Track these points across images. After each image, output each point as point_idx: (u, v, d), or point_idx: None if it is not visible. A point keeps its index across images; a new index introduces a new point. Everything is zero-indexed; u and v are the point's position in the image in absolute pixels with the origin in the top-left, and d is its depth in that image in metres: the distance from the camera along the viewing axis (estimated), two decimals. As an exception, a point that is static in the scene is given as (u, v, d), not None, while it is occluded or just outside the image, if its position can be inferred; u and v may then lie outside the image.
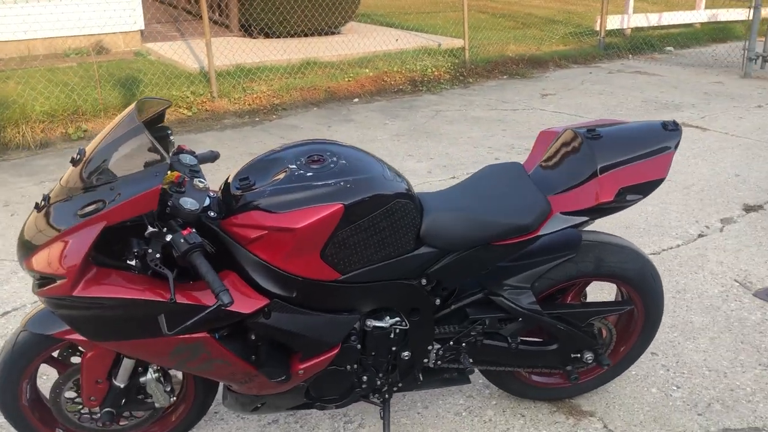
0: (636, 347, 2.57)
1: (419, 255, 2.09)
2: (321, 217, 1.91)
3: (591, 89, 7.65)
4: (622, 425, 2.55)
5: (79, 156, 1.93)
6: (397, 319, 2.17)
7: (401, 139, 5.91)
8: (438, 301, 2.22)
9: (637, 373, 2.81)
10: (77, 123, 6.09)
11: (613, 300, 2.65)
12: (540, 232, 2.18)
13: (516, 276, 2.29)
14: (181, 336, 1.92)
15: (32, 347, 2.12)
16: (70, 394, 2.22)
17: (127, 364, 2.15)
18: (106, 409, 2.16)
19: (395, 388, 2.32)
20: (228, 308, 1.83)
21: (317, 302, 2.05)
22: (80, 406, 2.24)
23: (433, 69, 8.17)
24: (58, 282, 1.81)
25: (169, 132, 2.10)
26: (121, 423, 2.30)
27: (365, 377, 2.24)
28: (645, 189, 2.21)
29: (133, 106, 1.99)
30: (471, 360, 2.35)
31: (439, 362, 2.32)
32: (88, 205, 1.82)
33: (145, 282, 1.88)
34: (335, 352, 2.11)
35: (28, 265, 1.86)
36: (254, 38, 9.24)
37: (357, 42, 8.73)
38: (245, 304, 1.95)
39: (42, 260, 1.83)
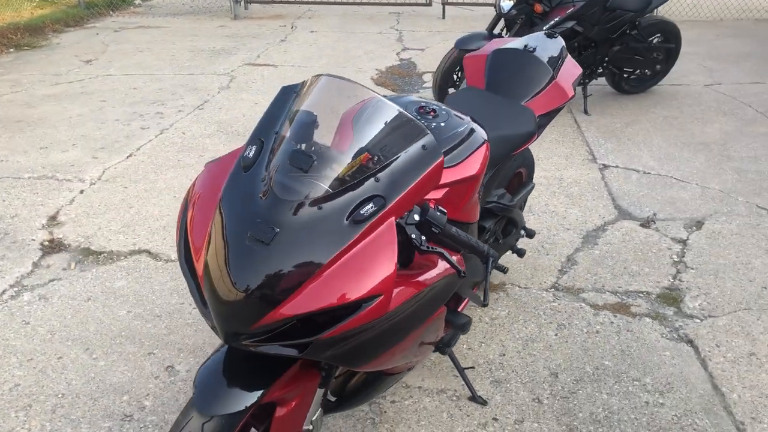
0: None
1: None
2: (484, 157, 1.94)
3: (125, 49, 7.35)
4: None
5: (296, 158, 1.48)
6: None
7: None
8: None
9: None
10: None
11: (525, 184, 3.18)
12: (537, 135, 2.56)
13: (496, 182, 2.62)
14: (431, 317, 1.74)
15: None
16: None
17: (317, 412, 1.77)
18: None
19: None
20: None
21: None
22: None
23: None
24: (368, 306, 1.43)
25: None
26: None
27: None
28: (574, 84, 2.78)
29: (322, 80, 1.58)
30: None
31: None
32: (360, 206, 1.46)
33: (412, 270, 1.63)
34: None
35: (291, 309, 1.39)
36: None
37: None
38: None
39: (329, 290, 1.40)
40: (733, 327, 2.81)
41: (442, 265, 1.67)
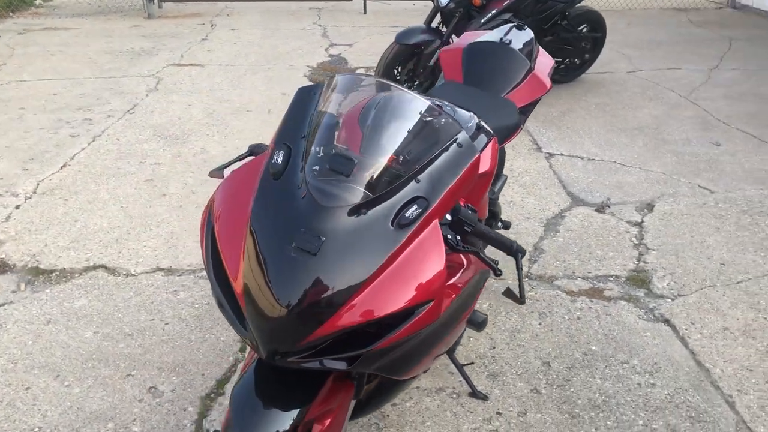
0: None
1: None
2: (494, 152, 1.93)
3: (34, 52, 6.91)
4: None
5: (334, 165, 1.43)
6: None
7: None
8: None
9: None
10: None
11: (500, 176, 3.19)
12: (521, 128, 2.57)
13: None
14: (465, 316, 1.72)
15: None
16: None
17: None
18: None
19: None
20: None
21: None
22: None
23: None
24: (421, 312, 1.39)
25: None
26: None
27: None
28: (550, 75, 2.81)
29: (344, 79, 1.55)
30: None
31: None
32: (404, 209, 1.42)
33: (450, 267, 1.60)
34: None
35: (344, 321, 1.34)
36: None
37: None
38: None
39: (382, 298, 1.36)
40: (703, 304, 2.92)
41: (473, 264, 1.64)
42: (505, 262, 2.37)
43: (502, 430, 2.27)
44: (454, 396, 2.42)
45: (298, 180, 1.42)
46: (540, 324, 2.80)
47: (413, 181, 1.44)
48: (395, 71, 5.01)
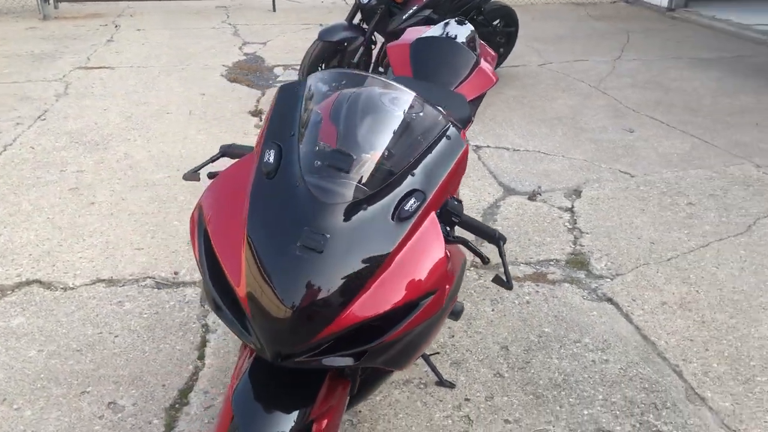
0: None
1: None
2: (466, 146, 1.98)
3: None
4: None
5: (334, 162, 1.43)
6: None
7: None
8: None
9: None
10: None
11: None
12: (472, 120, 2.64)
13: None
14: (452, 305, 1.76)
15: None
16: None
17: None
18: None
19: None
20: None
21: None
22: None
23: None
24: (425, 303, 1.43)
25: None
26: None
27: None
28: (494, 68, 2.89)
29: (329, 74, 1.55)
30: None
31: None
32: (402, 202, 1.45)
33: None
34: None
35: (352, 317, 1.35)
36: None
37: None
38: None
39: (389, 292, 1.38)
40: (640, 281, 3.09)
41: (459, 254, 1.68)
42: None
43: (473, 416, 2.33)
44: (422, 386, 2.45)
45: (294, 178, 1.41)
46: (493, 310, 2.88)
47: (409, 174, 1.45)
48: (319, 69, 4.99)
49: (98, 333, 2.68)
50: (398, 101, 1.59)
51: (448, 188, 1.52)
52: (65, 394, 2.39)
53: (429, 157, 1.50)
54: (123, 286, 2.98)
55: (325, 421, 1.56)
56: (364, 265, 1.35)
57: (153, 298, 2.90)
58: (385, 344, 1.40)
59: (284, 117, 1.54)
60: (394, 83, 1.62)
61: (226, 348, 2.62)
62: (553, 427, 2.29)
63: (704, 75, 6.23)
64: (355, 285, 1.34)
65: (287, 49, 6.89)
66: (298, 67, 5.64)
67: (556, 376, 2.52)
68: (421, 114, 1.58)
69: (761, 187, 3.99)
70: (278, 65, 6.38)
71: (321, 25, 7.97)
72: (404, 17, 4.98)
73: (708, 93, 5.72)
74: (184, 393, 2.40)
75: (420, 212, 1.42)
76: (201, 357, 2.58)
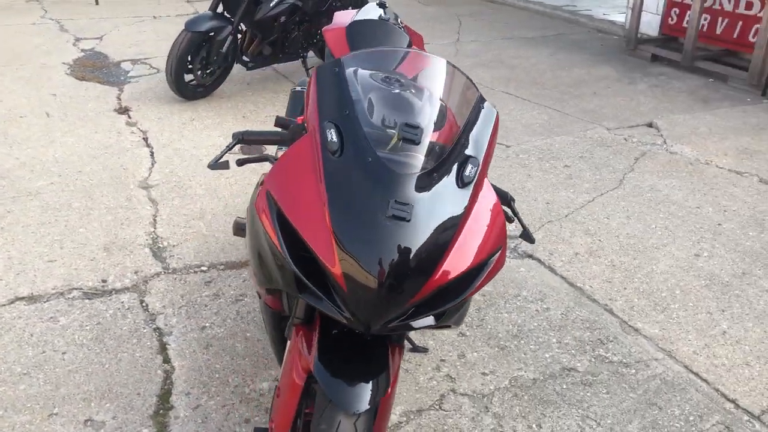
0: None
1: None
2: None
3: None
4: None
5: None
6: None
7: None
8: None
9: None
10: None
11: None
12: None
13: None
14: None
15: None
16: None
17: None
18: None
19: None
20: None
21: None
22: None
23: None
24: (493, 260, 1.56)
25: None
26: None
27: None
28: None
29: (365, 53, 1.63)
30: None
31: None
32: (461, 169, 1.57)
33: None
34: None
35: (442, 278, 1.46)
36: None
37: None
38: None
39: (466, 253, 1.50)
40: (551, 237, 3.43)
41: None
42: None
43: (453, 374, 2.48)
44: (398, 355, 2.56)
45: (364, 153, 1.46)
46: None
47: (462, 142, 1.56)
48: (187, 60, 4.84)
49: (41, 353, 2.48)
50: (438, 69, 1.68)
51: (491, 154, 1.64)
52: (31, 420, 2.20)
53: (476, 126, 1.60)
54: (48, 301, 2.76)
55: (389, 389, 1.63)
56: (445, 230, 1.43)
57: (88, 309, 2.73)
58: (460, 303, 1.50)
59: (333, 96, 1.57)
60: (426, 53, 1.70)
61: (189, 348, 2.55)
62: (525, 372, 2.51)
63: (538, 52, 6.84)
64: (440, 250, 1.42)
65: (128, 43, 6.54)
66: (159, 60, 5.38)
67: (511, 328, 2.74)
68: (455, 81, 1.68)
69: (618, 147, 4.52)
70: (124, 60, 6.05)
71: (155, 17, 7.64)
72: (271, 5, 4.95)
73: (547, 68, 6.30)
74: (164, 398, 2.32)
75: (477, 177, 1.53)
76: (166, 360, 2.49)
